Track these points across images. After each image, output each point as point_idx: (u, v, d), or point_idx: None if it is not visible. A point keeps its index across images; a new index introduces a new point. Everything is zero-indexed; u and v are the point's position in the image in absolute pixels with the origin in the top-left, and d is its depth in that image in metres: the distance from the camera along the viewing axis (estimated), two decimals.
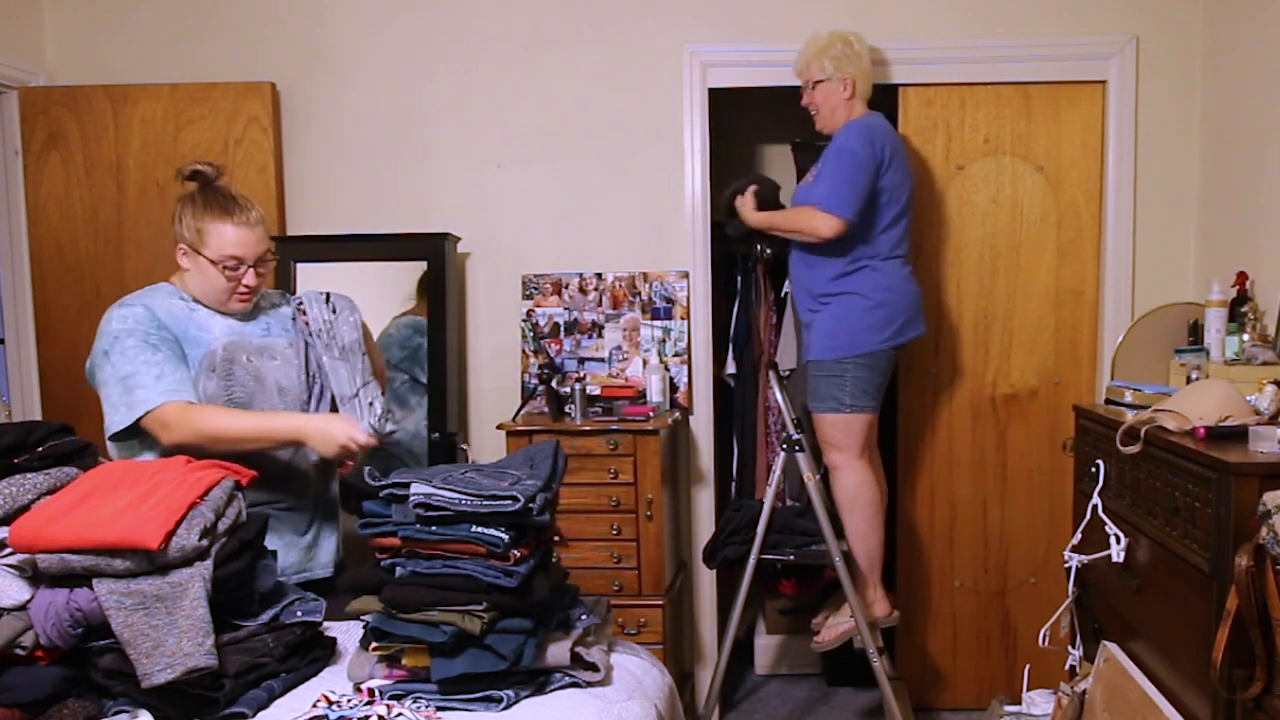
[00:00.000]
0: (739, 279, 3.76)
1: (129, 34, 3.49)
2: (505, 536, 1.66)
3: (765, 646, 3.83)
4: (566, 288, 3.44)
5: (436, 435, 3.23)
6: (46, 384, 3.41)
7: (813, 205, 2.81)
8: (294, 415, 2.10)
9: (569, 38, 3.42)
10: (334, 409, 2.18)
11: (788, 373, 3.41)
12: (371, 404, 2.19)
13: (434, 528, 1.69)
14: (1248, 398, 2.24)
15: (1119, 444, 2.34)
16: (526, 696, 1.69)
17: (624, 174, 3.44)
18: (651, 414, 3.13)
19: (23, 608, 1.58)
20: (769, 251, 3.10)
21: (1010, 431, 3.43)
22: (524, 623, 1.70)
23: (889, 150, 2.85)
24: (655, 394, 3.27)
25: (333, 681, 1.74)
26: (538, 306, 3.45)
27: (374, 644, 1.71)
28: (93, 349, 2.05)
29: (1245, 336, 2.69)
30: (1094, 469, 2.60)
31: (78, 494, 1.65)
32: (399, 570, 1.71)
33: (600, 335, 3.43)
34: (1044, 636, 2.74)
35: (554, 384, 3.24)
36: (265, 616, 1.73)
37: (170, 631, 1.54)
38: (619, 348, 3.43)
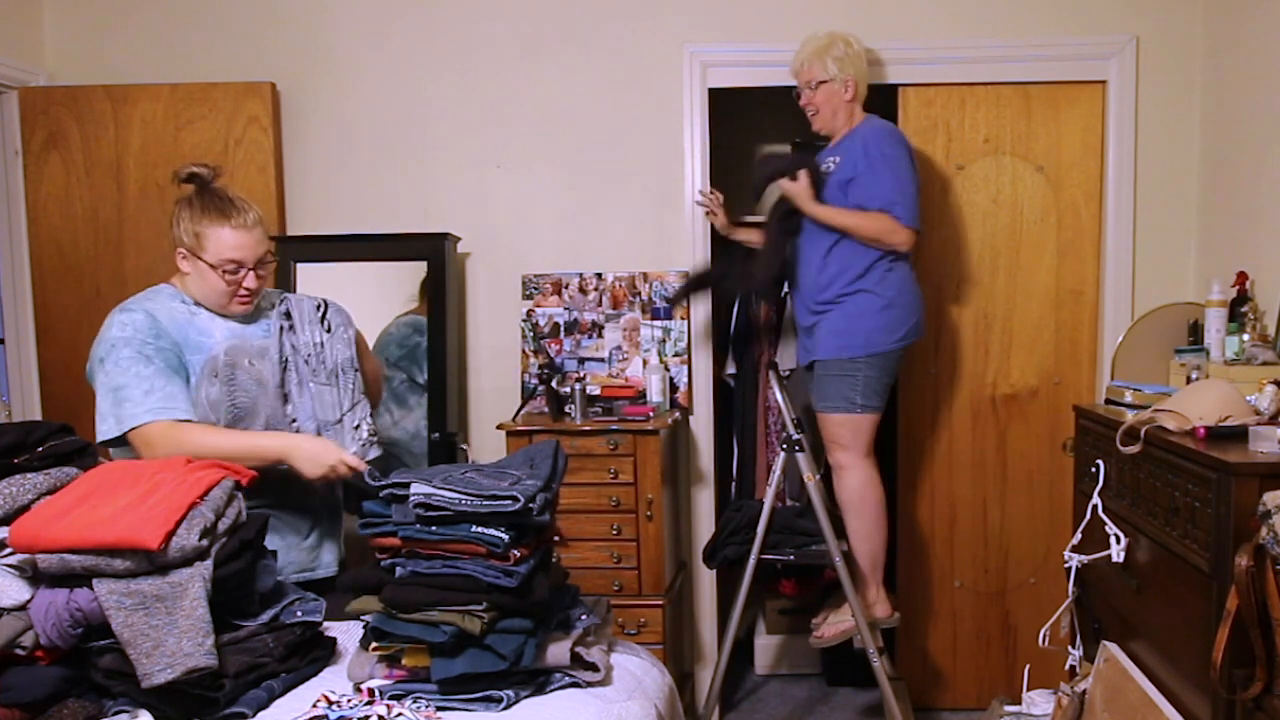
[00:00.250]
0: None
1: (129, 34, 3.49)
2: (505, 536, 1.66)
3: (765, 646, 3.83)
4: (566, 288, 3.44)
5: (436, 435, 3.22)
6: (46, 384, 3.41)
7: (887, 214, 2.81)
8: (282, 435, 2.09)
9: (569, 38, 3.42)
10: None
11: (788, 373, 3.41)
12: (358, 426, 2.18)
13: (434, 528, 1.69)
14: (1248, 398, 2.24)
15: (1119, 444, 2.34)
16: (526, 696, 1.70)
17: (624, 174, 3.44)
18: (651, 414, 3.13)
19: (23, 608, 1.58)
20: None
21: (1010, 431, 3.43)
22: (524, 623, 1.70)
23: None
24: (655, 394, 3.27)
25: (333, 681, 1.74)
26: (538, 306, 3.45)
27: (374, 644, 1.71)
28: (92, 351, 2.05)
29: (1245, 336, 2.69)
30: (1094, 469, 2.60)
31: (78, 494, 1.65)
32: (399, 570, 1.71)
33: (600, 335, 3.43)
34: (1044, 636, 2.74)
35: (554, 384, 3.24)
36: (265, 616, 1.73)
37: (170, 631, 1.54)
38: (619, 348, 3.43)
